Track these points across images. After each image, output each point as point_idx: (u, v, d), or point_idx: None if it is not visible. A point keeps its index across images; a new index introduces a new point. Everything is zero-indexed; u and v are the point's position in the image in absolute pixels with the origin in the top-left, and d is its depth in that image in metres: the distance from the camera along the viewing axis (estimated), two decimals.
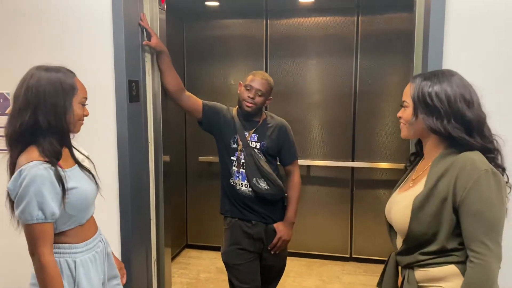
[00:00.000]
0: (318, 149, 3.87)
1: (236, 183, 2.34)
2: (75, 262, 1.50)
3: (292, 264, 3.82)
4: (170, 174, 2.53)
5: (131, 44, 2.08)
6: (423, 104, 1.34)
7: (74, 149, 1.58)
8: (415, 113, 1.37)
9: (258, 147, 2.32)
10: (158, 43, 2.22)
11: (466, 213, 1.27)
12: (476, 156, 1.30)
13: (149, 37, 2.21)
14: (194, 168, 4.15)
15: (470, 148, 1.32)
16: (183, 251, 4.21)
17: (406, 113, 1.41)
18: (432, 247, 1.34)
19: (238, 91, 2.37)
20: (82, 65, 1.56)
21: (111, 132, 2.06)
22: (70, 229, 1.50)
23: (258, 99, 2.28)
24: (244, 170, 2.31)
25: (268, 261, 2.42)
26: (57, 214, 1.41)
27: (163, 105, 2.38)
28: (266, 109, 3.55)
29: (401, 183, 1.55)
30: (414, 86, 1.38)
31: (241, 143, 2.32)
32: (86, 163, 1.62)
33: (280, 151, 2.40)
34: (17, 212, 1.39)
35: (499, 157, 1.37)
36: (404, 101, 1.43)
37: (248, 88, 2.29)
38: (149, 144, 2.28)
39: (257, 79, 2.30)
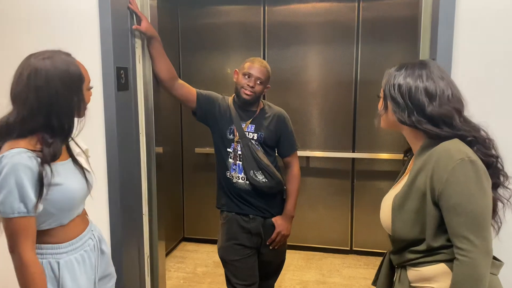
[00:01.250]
0: (318, 140, 3.79)
1: (232, 176, 2.25)
2: (58, 263, 1.39)
3: (291, 257, 3.77)
4: (163, 166, 2.43)
5: (119, 28, 1.95)
6: (389, 96, 1.32)
7: (71, 141, 1.48)
8: (385, 104, 1.35)
9: (255, 138, 2.24)
10: (148, 28, 2.10)
11: (445, 208, 1.20)
12: (452, 145, 1.23)
13: (139, 21, 2.09)
14: (190, 159, 4.08)
15: (445, 137, 1.25)
16: (179, 244, 4.14)
17: (379, 104, 1.40)
18: (421, 246, 1.28)
19: (235, 79, 2.28)
20: (66, 50, 1.42)
21: (99, 123, 1.94)
22: (51, 228, 1.40)
23: (258, 88, 2.19)
24: (240, 163, 2.22)
25: (266, 257, 2.35)
26: (40, 207, 1.30)
27: (156, 94, 2.27)
28: (264, 98, 3.47)
29: (399, 179, 1.48)
30: (386, 76, 1.35)
31: (237, 134, 2.23)
32: (80, 158, 1.50)
33: (279, 142, 2.31)
34: None
35: (491, 145, 1.29)
36: (380, 91, 1.40)
37: (247, 75, 2.19)
38: (141, 135, 2.17)
39: (256, 66, 2.20)
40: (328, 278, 3.47)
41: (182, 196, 4.16)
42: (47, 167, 1.31)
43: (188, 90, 2.27)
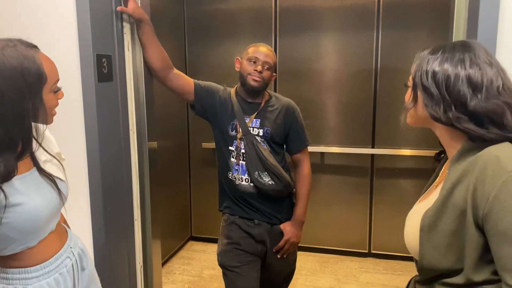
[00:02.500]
0: (334, 134, 3.57)
1: (235, 178, 2.03)
2: None
3: (304, 261, 3.55)
4: (157, 162, 2.20)
5: (99, 9, 1.70)
6: (420, 85, 1.06)
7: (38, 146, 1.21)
8: (414, 96, 1.08)
9: (260, 134, 2.01)
10: (136, 9, 1.86)
11: (493, 233, 0.93)
12: (502, 152, 0.96)
13: (126, 2, 1.84)
14: (197, 154, 3.90)
15: (493, 141, 0.98)
16: (187, 244, 3.96)
17: (407, 95, 1.13)
18: (457, 278, 1.01)
19: (237, 69, 2.06)
20: (37, 35, 1.17)
21: (78, 119, 1.70)
22: (15, 253, 1.17)
23: (266, 73, 1.98)
24: (244, 162, 2.00)
25: (274, 267, 2.13)
26: None
27: (148, 86, 2.03)
28: (275, 90, 3.22)
29: (427, 188, 1.22)
30: (417, 61, 1.09)
31: (240, 130, 2.00)
32: (49, 165, 1.25)
33: (287, 137, 2.08)
34: None
35: None
36: (409, 79, 1.13)
37: (253, 60, 1.98)
38: (131, 132, 1.94)
39: (261, 51, 1.99)
40: (343, 284, 3.23)
41: (189, 192, 3.98)
42: None
43: (184, 81, 2.05)
